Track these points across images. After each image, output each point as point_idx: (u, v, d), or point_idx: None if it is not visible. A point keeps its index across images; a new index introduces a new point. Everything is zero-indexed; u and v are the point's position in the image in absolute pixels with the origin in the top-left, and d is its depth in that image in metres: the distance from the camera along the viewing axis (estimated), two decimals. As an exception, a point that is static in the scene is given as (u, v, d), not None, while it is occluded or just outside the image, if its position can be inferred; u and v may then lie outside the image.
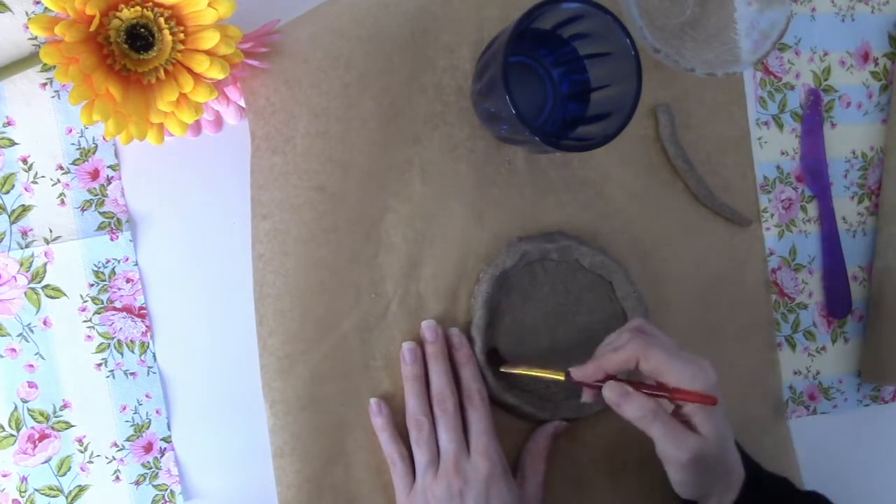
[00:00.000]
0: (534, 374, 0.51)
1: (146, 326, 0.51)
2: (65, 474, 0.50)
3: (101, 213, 0.50)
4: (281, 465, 0.50)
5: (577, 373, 0.48)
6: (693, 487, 0.48)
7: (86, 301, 0.50)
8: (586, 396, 0.50)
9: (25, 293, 0.49)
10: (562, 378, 0.49)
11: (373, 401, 0.51)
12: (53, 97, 0.49)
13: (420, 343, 0.52)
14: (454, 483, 0.48)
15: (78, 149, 0.50)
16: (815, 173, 0.63)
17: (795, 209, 0.63)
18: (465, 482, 0.48)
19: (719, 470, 0.48)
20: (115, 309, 0.51)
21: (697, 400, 0.45)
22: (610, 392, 0.47)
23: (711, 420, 0.46)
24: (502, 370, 0.52)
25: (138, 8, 0.43)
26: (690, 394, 0.45)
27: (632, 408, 0.46)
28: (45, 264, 0.50)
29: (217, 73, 0.44)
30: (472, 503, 0.48)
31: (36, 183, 0.49)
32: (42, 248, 0.50)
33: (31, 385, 0.49)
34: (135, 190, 0.51)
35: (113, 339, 0.50)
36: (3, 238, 0.49)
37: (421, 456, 0.50)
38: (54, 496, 0.50)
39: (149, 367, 0.51)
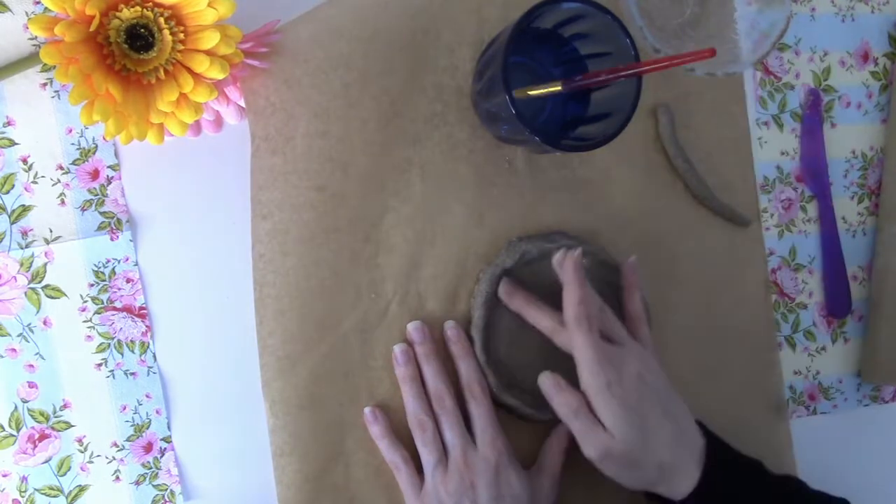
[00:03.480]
0: None
1: (146, 326, 0.51)
2: (65, 474, 0.50)
3: (101, 213, 0.50)
4: (281, 465, 0.50)
5: (504, 291, 0.52)
6: (626, 481, 0.49)
7: (86, 301, 0.50)
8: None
9: (25, 293, 0.49)
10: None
11: (367, 410, 0.51)
12: (53, 97, 0.49)
13: (411, 344, 0.52)
14: (465, 476, 0.49)
15: (78, 149, 0.50)
16: (814, 173, 0.63)
17: (795, 209, 0.63)
18: (476, 473, 0.49)
19: (646, 464, 0.47)
20: (115, 309, 0.51)
21: None
22: (545, 380, 0.50)
23: (617, 417, 0.47)
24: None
25: (138, 8, 0.43)
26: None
27: (559, 402, 0.49)
28: (45, 264, 0.50)
29: (217, 73, 0.44)
30: (483, 492, 0.49)
31: (36, 183, 0.49)
32: (42, 248, 0.50)
33: (31, 385, 0.49)
34: (135, 190, 0.51)
35: (113, 339, 0.50)
36: (3, 238, 0.49)
37: (429, 456, 0.50)
38: (54, 496, 0.50)
39: (149, 367, 0.51)
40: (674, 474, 0.48)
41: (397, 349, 0.52)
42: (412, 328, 0.52)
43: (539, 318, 0.51)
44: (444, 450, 0.50)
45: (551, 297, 0.55)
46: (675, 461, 0.48)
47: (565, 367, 0.55)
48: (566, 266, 0.49)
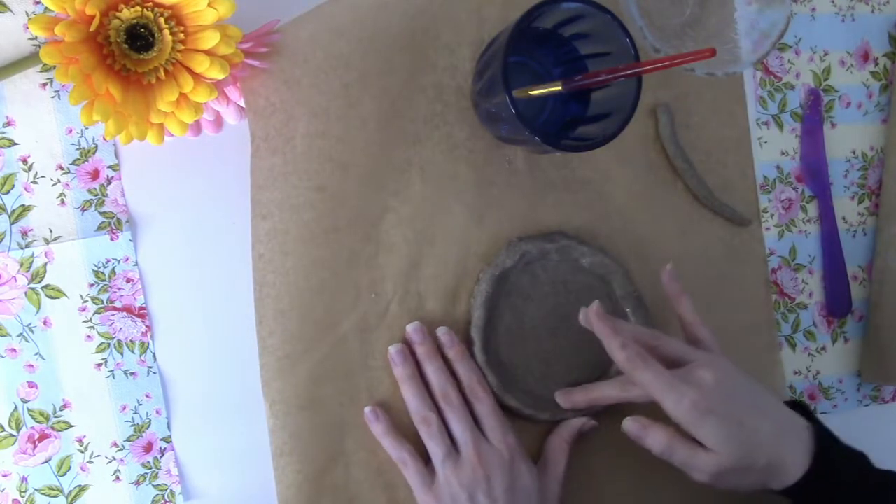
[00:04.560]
0: None
1: (146, 326, 0.51)
2: (65, 474, 0.50)
3: (101, 213, 0.50)
4: (281, 465, 0.50)
5: (563, 400, 0.53)
6: (744, 488, 0.48)
7: (86, 301, 0.50)
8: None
9: (25, 293, 0.49)
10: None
11: (367, 410, 0.51)
12: (53, 97, 0.49)
13: (408, 344, 0.52)
14: (479, 469, 0.49)
15: (78, 149, 0.50)
16: (815, 173, 0.63)
17: (795, 209, 0.63)
18: (491, 466, 0.49)
19: (757, 466, 0.47)
20: (115, 309, 0.51)
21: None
22: (629, 426, 0.49)
23: (715, 434, 0.46)
24: None
25: (138, 8, 0.43)
26: None
27: (651, 442, 0.48)
28: (45, 264, 0.50)
29: (217, 73, 0.44)
30: (498, 485, 0.49)
31: (36, 183, 0.49)
32: (42, 248, 0.50)
33: (31, 385, 0.49)
34: (135, 190, 0.51)
35: (113, 339, 0.50)
36: (3, 238, 0.49)
37: (436, 448, 0.50)
38: (54, 496, 0.50)
39: (149, 367, 0.51)
40: (784, 467, 0.47)
41: (393, 350, 0.52)
42: (411, 329, 0.52)
43: (604, 393, 0.51)
44: (451, 443, 0.50)
45: (553, 297, 0.55)
46: (781, 454, 0.47)
47: (566, 368, 0.55)
48: (592, 322, 0.49)
